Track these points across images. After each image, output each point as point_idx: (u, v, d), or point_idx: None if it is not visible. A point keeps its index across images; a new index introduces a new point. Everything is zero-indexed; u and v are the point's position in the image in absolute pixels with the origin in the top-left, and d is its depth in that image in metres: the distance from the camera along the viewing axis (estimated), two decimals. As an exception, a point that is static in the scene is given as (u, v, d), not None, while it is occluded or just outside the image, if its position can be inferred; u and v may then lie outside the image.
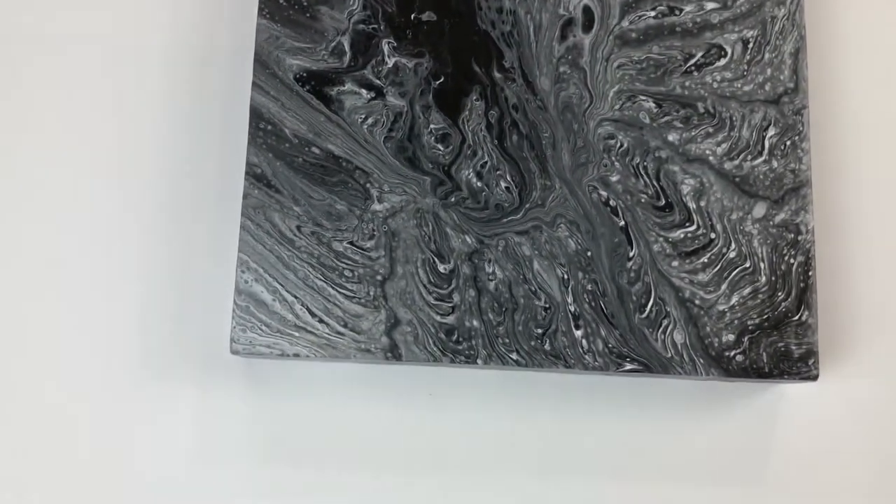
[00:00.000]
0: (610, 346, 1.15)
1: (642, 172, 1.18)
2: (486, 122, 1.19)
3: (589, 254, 1.16)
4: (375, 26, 1.21)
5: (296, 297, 1.16)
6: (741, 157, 1.18)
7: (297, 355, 1.14)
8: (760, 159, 1.18)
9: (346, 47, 1.21)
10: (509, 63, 1.21)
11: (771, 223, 1.17)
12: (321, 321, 1.15)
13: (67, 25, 1.30)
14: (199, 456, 1.20)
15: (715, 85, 1.20)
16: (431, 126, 1.19)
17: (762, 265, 1.16)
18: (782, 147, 1.19)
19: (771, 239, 1.16)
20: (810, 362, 1.15)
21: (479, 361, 1.14)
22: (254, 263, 1.16)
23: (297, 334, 1.15)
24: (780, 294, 1.16)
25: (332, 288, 1.16)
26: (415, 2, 1.23)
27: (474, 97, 1.19)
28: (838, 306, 1.23)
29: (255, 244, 1.16)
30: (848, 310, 1.24)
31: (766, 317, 1.15)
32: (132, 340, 1.23)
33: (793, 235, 1.17)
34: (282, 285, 1.16)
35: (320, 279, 1.16)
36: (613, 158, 1.18)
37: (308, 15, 1.22)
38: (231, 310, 1.16)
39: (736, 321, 1.15)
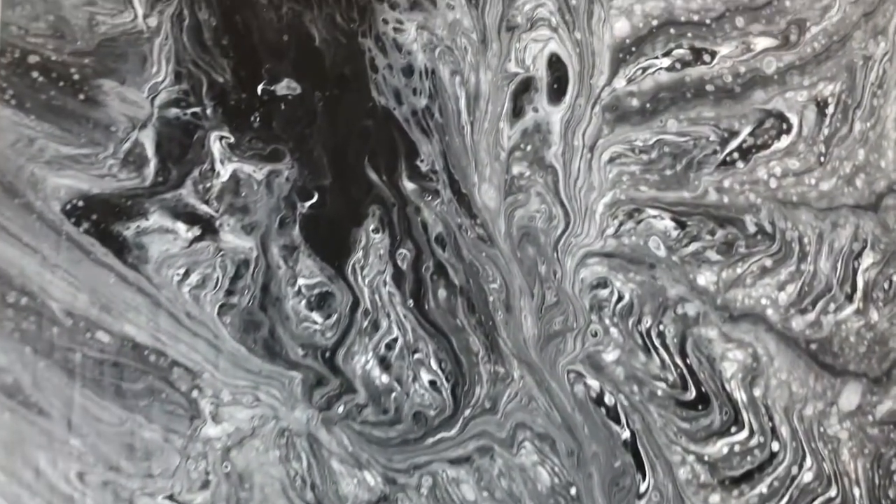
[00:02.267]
0: None
1: (657, 344, 0.76)
2: (392, 268, 0.76)
3: (573, 491, 0.73)
4: (197, 110, 0.75)
5: None
6: (818, 307, 0.77)
7: None
8: (850, 309, 0.77)
9: (149, 150, 0.75)
10: (428, 163, 0.77)
11: (870, 419, 0.77)
12: None
13: None
14: None
15: (773, 184, 0.77)
16: (300, 281, 0.75)
17: (857, 492, 0.76)
18: (886, 286, 0.77)
19: (871, 446, 0.76)
20: None
21: None
22: (7, 544, 0.70)
23: None
24: (887, 540, 0.73)
25: (142, 581, 0.70)
26: (262, 63, 0.74)
27: (371, 226, 0.76)
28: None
29: (9, 510, 0.70)
30: None
31: (866, 581, 0.72)
32: None
33: (907, 438, 0.76)
34: (56, 581, 0.70)
35: (121, 566, 0.71)
36: (608, 321, 0.76)
37: (83, 96, 0.75)
38: None
39: (817, 591, 0.72)
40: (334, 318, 0.74)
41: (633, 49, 0.76)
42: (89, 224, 0.73)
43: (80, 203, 0.73)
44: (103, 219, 0.74)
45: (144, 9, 0.74)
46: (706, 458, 0.74)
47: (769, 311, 0.75)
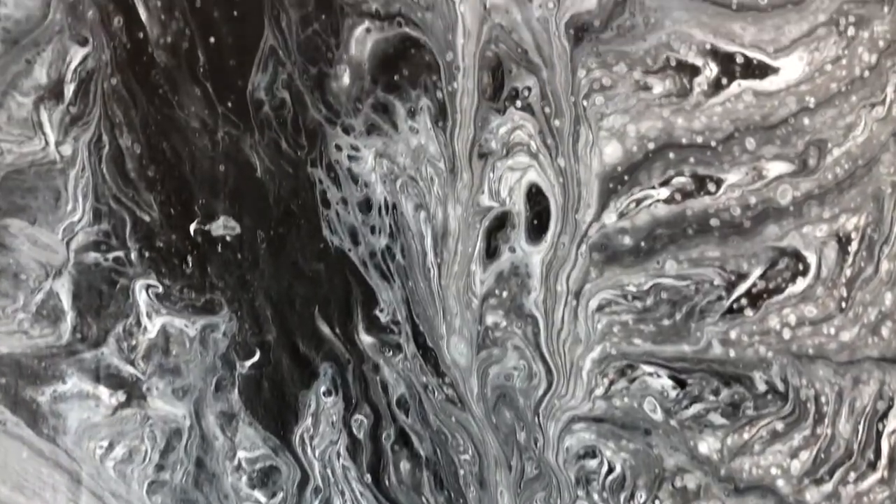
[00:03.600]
0: None
1: (652, 522, 0.69)
2: (346, 438, 0.70)
3: None
4: (120, 254, 0.73)
5: None
6: (836, 476, 0.70)
7: None
8: (873, 479, 0.70)
9: (66, 302, 0.70)
10: (388, 312, 0.71)
11: None
12: None
13: None
14: None
15: (786, 334, 0.69)
16: (241, 454, 0.70)
17: None
18: (915, 451, 0.70)
19: None
20: None
21: None
22: None
23: None
24: None
25: None
26: (195, 198, 0.68)
27: (322, 388, 0.70)
28: None
29: None
30: None
31: None
32: None
33: None
34: None
35: None
36: (597, 497, 0.70)
37: (-15, 238, 0.67)
38: None
39: None
40: (280, 496, 0.69)
41: (626, 178, 0.67)
42: (-3, 391, 0.69)
43: (-14, 366, 0.68)
44: (13, 383, 0.70)
45: (57, 135, 0.68)
46: None
47: (780, 482, 0.68)
